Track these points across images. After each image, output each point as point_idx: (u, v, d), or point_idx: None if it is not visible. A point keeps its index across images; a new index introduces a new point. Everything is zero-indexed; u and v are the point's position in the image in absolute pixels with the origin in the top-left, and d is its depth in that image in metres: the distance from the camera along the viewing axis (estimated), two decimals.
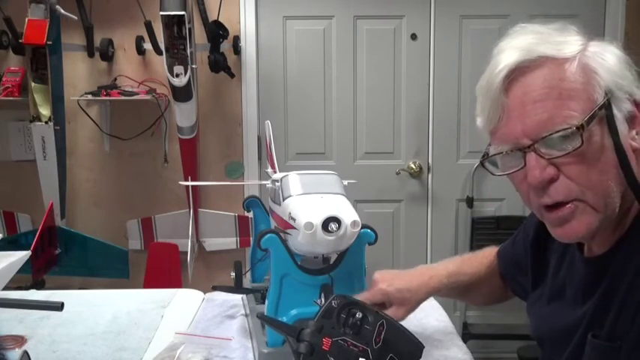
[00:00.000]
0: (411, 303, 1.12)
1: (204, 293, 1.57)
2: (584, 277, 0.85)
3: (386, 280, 1.13)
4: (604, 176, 0.75)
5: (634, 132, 0.77)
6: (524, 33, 0.81)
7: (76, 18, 2.70)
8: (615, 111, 0.74)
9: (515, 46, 0.78)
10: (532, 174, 0.76)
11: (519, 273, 1.09)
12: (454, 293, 1.20)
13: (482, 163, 0.84)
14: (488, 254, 1.21)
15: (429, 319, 1.41)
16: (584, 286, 0.85)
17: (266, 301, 1.13)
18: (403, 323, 0.91)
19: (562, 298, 0.92)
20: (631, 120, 0.77)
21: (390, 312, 1.08)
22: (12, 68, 2.86)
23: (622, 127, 0.75)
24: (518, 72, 0.77)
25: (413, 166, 3.10)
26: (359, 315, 0.88)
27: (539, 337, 0.97)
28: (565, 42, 0.77)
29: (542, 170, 0.75)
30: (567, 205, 0.77)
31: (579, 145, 0.73)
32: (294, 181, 1.14)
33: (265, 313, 1.12)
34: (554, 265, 0.95)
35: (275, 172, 1.39)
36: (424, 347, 0.88)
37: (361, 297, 1.02)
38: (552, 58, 0.76)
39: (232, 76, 2.91)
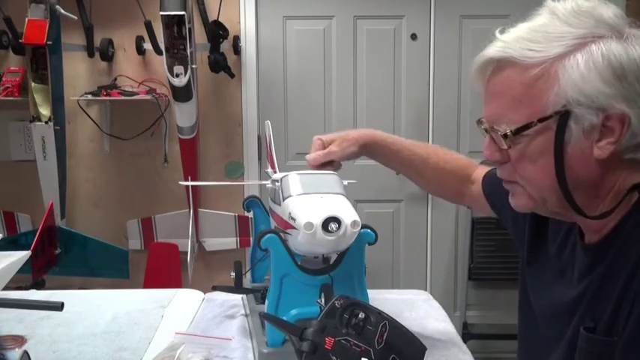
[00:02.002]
0: (342, 141, 1.25)
1: (204, 293, 1.57)
2: (582, 263, 0.87)
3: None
4: (542, 175, 0.81)
5: (603, 142, 0.77)
6: (531, 22, 0.84)
7: (76, 18, 2.70)
8: (571, 122, 0.77)
9: (504, 39, 0.83)
10: (485, 151, 0.87)
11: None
12: (388, 159, 1.34)
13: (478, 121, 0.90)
14: (467, 161, 1.31)
15: (429, 319, 1.42)
16: (582, 271, 0.87)
17: (266, 301, 1.13)
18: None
19: (563, 277, 0.93)
20: (597, 131, 0.77)
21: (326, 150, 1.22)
22: (12, 68, 2.86)
23: (578, 136, 0.78)
24: (494, 64, 0.83)
25: None
26: (362, 315, 0.88)
27: (539, 313, 0.98)
28: (545, 45, 0.79)
29: (492, 152, 0.86)
30: (509, 183, 0.88)
31: (506, 149, 0.83)
32: (294, 181, 1.14)
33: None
34: (558, 244, 0.96)
35: (275, 172, 1.39)
36: (426, 349, 0.88)
37: (310, 157, 1.25)
38: (518, 63, 0.80)
39: (232, 76, 2.91)
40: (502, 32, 0.84)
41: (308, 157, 1.28)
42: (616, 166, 0.80)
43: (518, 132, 0.80)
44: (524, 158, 0.82)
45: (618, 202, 0.81)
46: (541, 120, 0.78)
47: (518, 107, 0.80)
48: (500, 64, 0.82)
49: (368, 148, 1.30)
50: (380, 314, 0.89)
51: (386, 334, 0.88)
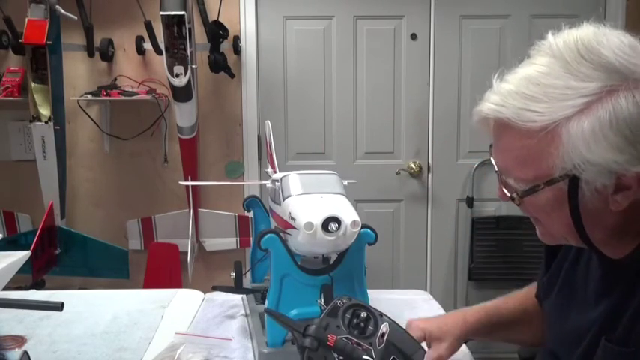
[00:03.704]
0: (449, 339, 1.05)
1: (204, 293, 1.57)
2: (599, 279, 0.84)
3: (421, 321, 1.09)
4: (558, 224, 0.78)
5: (619, 195, 0.72)
6: (530, 66, 0.75)
7: (76, 18, 2.70)
8: (582, 184, 0.72)
9: (499, 91, 0.75)
10: (498, 192, 0.84)
11: None
12: (498, 330, 1.10)
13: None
14: (532, 288, 1.12)
15: None
16: (599, 289, 0.84)
17: (266, 301, 1.13)
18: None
19: (573, 297, 0.91)
20: (611, 186, 0.72)
21: (431, 351, 1.04)
22: (12, 68, 2.86)
23: (591, 195, 0.73)
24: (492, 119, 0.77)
25: (413, 166, 3.10)
26: (363, 315, 0.89)
27: (550, 340, 0.97)
28: (546, 106, 0.71)
29: (503, 195, 0.82)
30: (531, 217, 0.84)
31: (518, 205, 0.79)
32: (294, 181, 1.14)
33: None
34: (570, 260, 0.94)
35: (275, 172, 1.39)
36: (425, 352, 0.88)
37: None
38: (515, 126, 0.73)
39: (232, 76, 2.91)
40: (499, 78, 0.77)
41: None
42: (639, 209, 0.74)
43: (525, 194, 0.76)
44: (537, 209, 0.79)
45: None
46: (548, 183, 0.73)
47: (523, 167, 0.75)
48: (499, 123, 0.76)
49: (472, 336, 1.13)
50: (381, 315, 0.89)
51: (386, 334, 0.88)
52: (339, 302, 0.89)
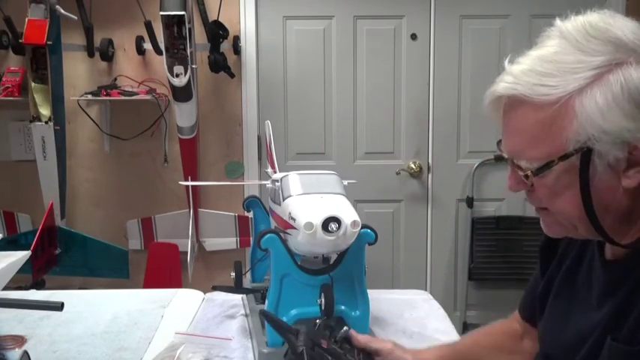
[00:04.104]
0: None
1: (204, 293, 1.57)
2: (603, 281, 0.84)
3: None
4: (569, 207, 0.78)
5: (632, 171, 0.74)
6: (541, 48, 0.78)
7: (76, 18, 2.70)
8: (595, 157, 0.73)
9: (511, 72, 0.77)
10: (508, 182, 0.83)
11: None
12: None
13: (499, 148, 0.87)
14: (500, 322, 1.14)
15: (429, 319, 1.42)
16: (602, 290, 0.83)
17: (266, 301, 1.13)
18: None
19: (574, 301, 0.90)
20: (623, 161, 0.74)
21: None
22: (12, 68, 2.86)
23: (603, 170, 0.74)
24: (507, 99, 0.79)
25: (413, 166, 3.10)
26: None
27: (547, 344, 0.96)
28: (559, 80, 0.73)
29: (515, 183, 0.82)
30: (540, 210, 0.83)
31: (530, 185, 0.79)
32: (294, 181, 1.14)
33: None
34: (568, 265, 0.94)
35: (275, 172, 1.39)
36: None
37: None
38: (532, 101, 0.75)
39: (232, 76, 2.91)
40: (512, 61, 0.79)
41: None
42: None
43: (539, 171, 0.77)
44: (549, 191, 0.79)
45: None
46: (562, 158, 0.74)
47: (537, 145, 0.76)
48: (513, 101, 0.77)
49: None
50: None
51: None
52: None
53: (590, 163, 0.74)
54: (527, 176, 0.78)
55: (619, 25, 0.75)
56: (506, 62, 0.80)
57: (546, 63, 0.75)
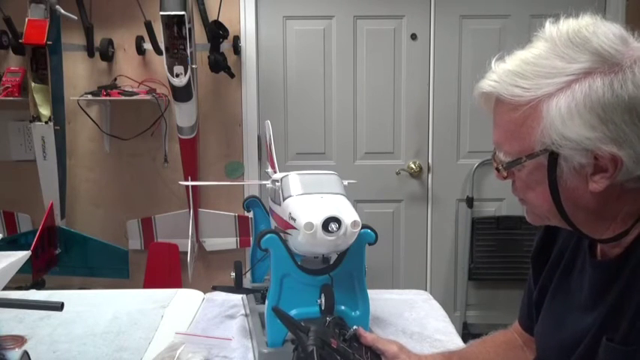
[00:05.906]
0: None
1: (204, 293, 1.57)
2: (594, 282, 0.85)
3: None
4: (541, 201, 0.81)
5: (597, 176, 0.75)
6: (527, 50, 0.80)
7: (76, 18, 2.70)
8: (561, 160, 0.76)
9: (496, 70, 0.80)
10: (494, 171, 0.86)
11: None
12: None
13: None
14: (500, 332, 1.15)
15: (429, 318, 1.42)
16: (595, 291, 0.84)
17: (266, 301, 1.13)
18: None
19: (568, 304, 0.91)
20: (589, 167, 0.75)
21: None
22: (12, 68, 2.86)
23: (569, 172, 0.76)
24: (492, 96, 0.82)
25: (413, 166, 3.10)
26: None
27: (543, 347, 0.96)
28: (532, 83, 0.76)
29: (498, 173, 0.85)
30: (521, 200, 0.87)
31: (504, 177, 0.84)
32: (294, 181, 1.14)
33: (266, 313, 1.12)
34: (561, 270, 0.95)
35: (275, 172, 1.39)
36: None
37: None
38: (506, 101, 0.78)
39: (232, 76, 2.91)
40: (499, 60, 0.81)
41: None
42: (618, 194, 0.77)
43: (509, 165, 0.81)
44: (524, 184, 0.83)
45: (632, 224, 0.78)
46: (530, 156, 0.78)
47: (510, 141, 0.80)
48: (496, 97, 0.81)
49: None
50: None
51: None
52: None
53: (557, 165, 0.77)
54: (498, 169, 0.83)
55: (600, 32, 0.75)
56: (493, 61, 0.82)
57: (525, 65, 0.78)
